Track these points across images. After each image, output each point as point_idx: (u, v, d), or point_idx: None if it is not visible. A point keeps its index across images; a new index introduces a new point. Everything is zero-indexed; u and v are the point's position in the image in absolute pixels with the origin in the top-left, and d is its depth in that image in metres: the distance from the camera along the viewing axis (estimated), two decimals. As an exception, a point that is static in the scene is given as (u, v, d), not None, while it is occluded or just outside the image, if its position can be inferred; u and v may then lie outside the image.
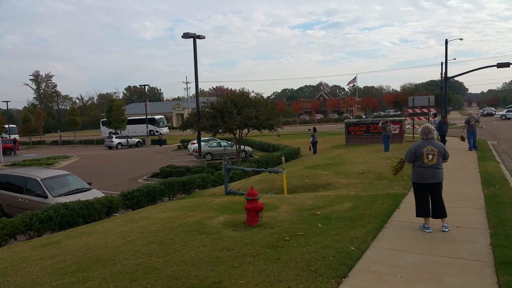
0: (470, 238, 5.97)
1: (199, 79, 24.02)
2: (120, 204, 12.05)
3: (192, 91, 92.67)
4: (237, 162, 21.46)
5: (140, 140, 48.86)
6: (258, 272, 4.86)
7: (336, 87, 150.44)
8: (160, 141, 46.92)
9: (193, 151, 29.96)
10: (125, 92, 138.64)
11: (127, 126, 66.62)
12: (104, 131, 66.57)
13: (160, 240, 6.47)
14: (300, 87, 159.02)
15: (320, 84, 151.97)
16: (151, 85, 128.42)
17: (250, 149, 29.68)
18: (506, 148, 20.08)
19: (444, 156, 6.37)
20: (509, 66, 38.30)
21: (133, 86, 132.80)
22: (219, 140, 30.38)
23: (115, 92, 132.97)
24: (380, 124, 20.70)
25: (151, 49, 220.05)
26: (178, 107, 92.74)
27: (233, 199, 9.75)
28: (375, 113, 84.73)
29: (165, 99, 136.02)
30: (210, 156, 28.35)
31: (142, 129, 61.08)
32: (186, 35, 22.52)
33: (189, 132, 30.01)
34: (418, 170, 6.35)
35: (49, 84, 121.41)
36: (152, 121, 64.30)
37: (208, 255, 5.52)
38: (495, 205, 7.76)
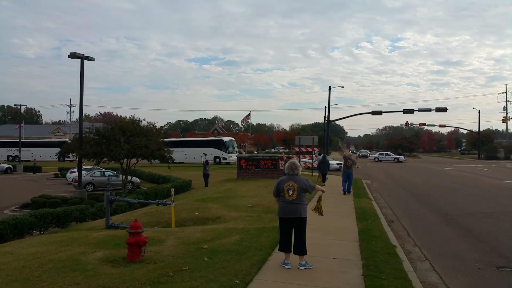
0: (345, 269, 6.39)
1: (84, 103, 22.58)
2: (-21, 239, 10.48)
3: (76, 115, 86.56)
4: (122, 193, 20.24)
5: (10, 166, 43.51)
6: (136, 311, 4.51)
7: (231, 122, 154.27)
8: (34, 168, 42.30)
9: (72, 181, 27.51)
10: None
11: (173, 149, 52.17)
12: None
13: (25, 277, 5.67)
14: (195, 120, 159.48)
15: (215, 118, 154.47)
16: (28, 106, 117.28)
17: (138, 180, 28.35)
18: (378, 186, 22.41)
19: (306, 191, 6.40)
20: (381, 114, 44.02)
21: (7, 106, 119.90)
22: (103, 170, 28.48)
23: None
24: (285, 159, 22.24)
25: (31, 67, 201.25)
26: (59, 132, 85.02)
27: (115, 233, 9.08)
28: (266, 150, 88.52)
29: (44, 122, 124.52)
30: (92, 187, 26.36)
31: (194, 154, 47.40)
32: (73, 55, 21.16)
33: (69, 160, 27.59)
34: (280, 204, 6.48)
35: None
36: (219, 144, 49.61)
37: (80, 295, 4.98)
38: (367, 238, 8.50)
